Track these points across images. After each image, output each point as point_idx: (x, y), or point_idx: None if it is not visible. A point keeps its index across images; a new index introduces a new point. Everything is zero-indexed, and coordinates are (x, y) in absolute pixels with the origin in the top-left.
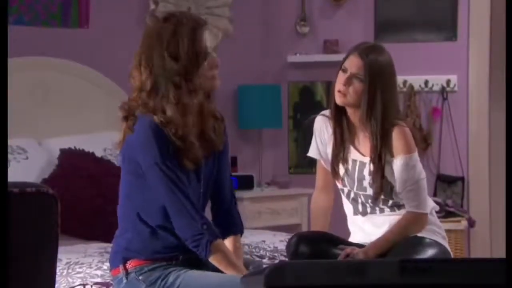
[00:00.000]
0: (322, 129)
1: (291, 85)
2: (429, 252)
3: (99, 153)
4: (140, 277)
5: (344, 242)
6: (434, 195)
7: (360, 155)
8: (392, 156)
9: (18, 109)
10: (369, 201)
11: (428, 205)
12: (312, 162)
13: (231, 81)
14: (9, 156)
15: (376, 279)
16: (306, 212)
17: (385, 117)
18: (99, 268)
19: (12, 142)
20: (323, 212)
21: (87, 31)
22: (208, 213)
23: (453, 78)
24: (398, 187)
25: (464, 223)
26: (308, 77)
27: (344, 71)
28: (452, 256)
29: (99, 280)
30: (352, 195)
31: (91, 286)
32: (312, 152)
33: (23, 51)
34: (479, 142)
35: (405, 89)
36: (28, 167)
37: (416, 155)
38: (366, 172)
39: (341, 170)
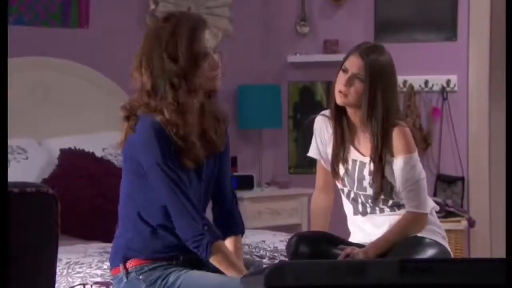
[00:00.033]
0: (322, 129)
1: (291, 85)
2: (429, 252)
3: (99, 153)
4: (140, 277)
5: (344, 242)
6: (434, 195)
7: (360, 155)
8: (392, 156)
9: (18, 109)
10: (369, 201)
11: (428, 205)
12: (312, 162)
13: (231, 81)
14: (9, 156)
15: (376, 279)
16: (306, 212)
17: (386, 117)
18: (99, 268)
19: (12, 142)
20: (323, 212)
21: (87, 31)
22: (209, 213)
23: (453, 78)
24: (398, 187)
25: (464, 223)
26: (308, 77)
27: (345, 71)
28: (452, 256)
29: (99, 279)
30: (352, 195)
31: (91, 285)
32: (312, 152)
33: (23, 51)
34: (479, 142)
35: (405, 89)
36: (28, 167)
37: (416, 155)
38: (366, 172)
39: (341, 170)
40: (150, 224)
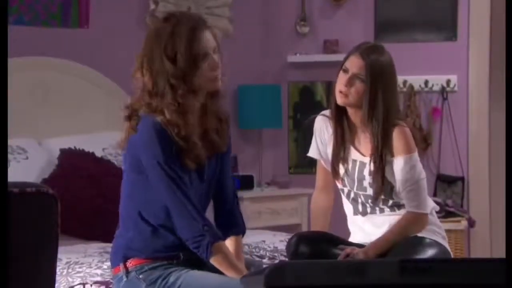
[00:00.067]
0: (322, 129)
1: (291, 85)
2: (429, 252)
3: (99, 153)
4: (140, 276)
5: (344, 242)
6: (434, 195)
7: (360, 155)
8: (392, 156)
9: (18, 109)
10: (369, 201)
11: (428, 205)
12: (312, 162)
13: (231, 81)
14: (9, 156)
15: (376, 279)
16: (306, 212)
17: (386, 117)
18: (99, 268)
19: (12, 142)
20: (323, 212)
21: (87, 31)
22: (209, 214)
23: (453, 78)
24: (398, 187)
25: (464, 223)
26: (308, 77)
27: (345, 71)
28: (452, 256)
29: (98, 279)
30: (352, 195)
31: (91, 285)
32: (312, 152)
33: (23, 51)
34: (479, 142)
35: (405, 89)
36: (28, 167)
37: (416, 155)
38: (366, 172)
39: (341, 170)
40: (151, 224)
